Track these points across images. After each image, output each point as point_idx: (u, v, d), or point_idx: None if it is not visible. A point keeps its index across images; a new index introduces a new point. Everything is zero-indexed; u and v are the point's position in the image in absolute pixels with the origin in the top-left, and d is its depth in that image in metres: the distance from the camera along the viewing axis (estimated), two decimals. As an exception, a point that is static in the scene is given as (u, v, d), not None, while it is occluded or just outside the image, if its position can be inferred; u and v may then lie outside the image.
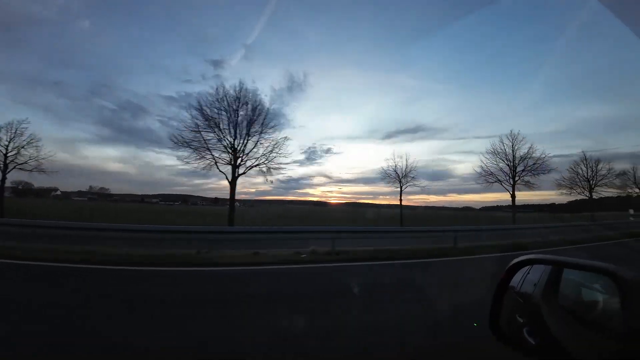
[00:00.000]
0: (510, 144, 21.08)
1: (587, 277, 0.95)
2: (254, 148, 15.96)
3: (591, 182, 25.89)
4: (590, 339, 0.86)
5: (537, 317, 1.03)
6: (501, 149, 21.37)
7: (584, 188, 26.30)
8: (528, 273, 1.12)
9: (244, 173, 16.20)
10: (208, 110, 15.14)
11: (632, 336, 0.69)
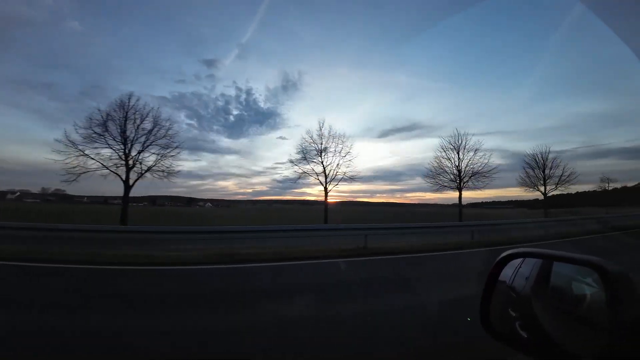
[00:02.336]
0: (456, 150, 22.33)
1: (577, 271, 0.97)
2: (146, 155, 17.23)
3: (546, 180, 27.26)
4: (579, 333, 0.88)
5: (529, 311, 1.05)
6: (451, 147, 22.50)
7: (538, 186, 27.72)
8: (520, 267, 1.14)
9: (139, 178, 17.30)
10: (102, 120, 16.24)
11: (615, 329, 0.72)
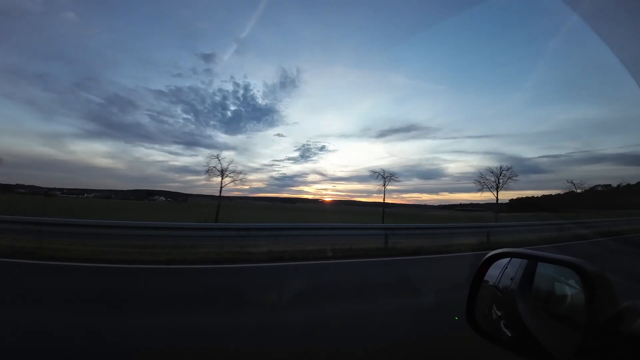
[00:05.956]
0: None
1: (560, 273, 1.06)
2: None
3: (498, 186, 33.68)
4: (561, 331, 0.96)
5: (513, 311, 1.13)
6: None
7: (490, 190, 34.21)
8: (506, 267, 1.22)
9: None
10: None
11: (591, 327, 0.78)
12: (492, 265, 1.19)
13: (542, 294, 1.13)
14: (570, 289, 0.98)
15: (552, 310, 1.06)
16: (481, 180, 32.85)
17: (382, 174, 31.61)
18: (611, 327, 0.75)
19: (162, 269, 6.25)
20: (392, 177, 32.39)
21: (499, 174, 31.83)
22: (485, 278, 1.19)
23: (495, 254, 1.15)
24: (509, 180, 31.57)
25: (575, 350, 0.84)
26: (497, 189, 31.67)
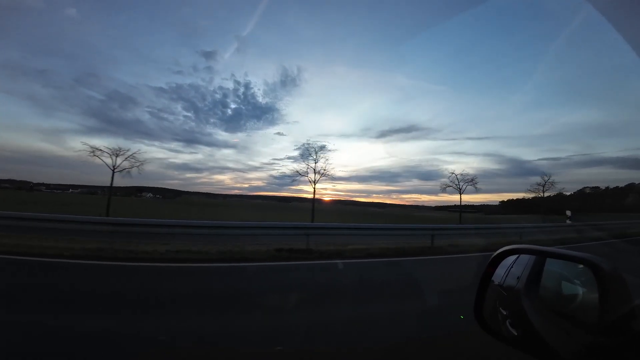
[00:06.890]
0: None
1: (568, 272, 1.06)
2: None
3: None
4: (568, 331, 0.95)
5: (519, 309, 1.14)
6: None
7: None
8: (512, 267, 1.23)
9: None
10: None
11: (604, 325, 0.76)
12: (501, 261, 1.19)
13: (549, 293, 1.13)
14: (578, 287, 0.99)
15: (559, 309, 1.06)
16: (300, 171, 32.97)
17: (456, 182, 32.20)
18: (623, 326, 0.74)
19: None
20: (472, 182, 32.68)
21: (314, 168, 32.23)
22: (492, 278, 1.20)
23: (504, 251, 1.15)
24: (323, 177, 32.13)
25: (584, 349, 0.83)
26: (315, 183, 31.87)
